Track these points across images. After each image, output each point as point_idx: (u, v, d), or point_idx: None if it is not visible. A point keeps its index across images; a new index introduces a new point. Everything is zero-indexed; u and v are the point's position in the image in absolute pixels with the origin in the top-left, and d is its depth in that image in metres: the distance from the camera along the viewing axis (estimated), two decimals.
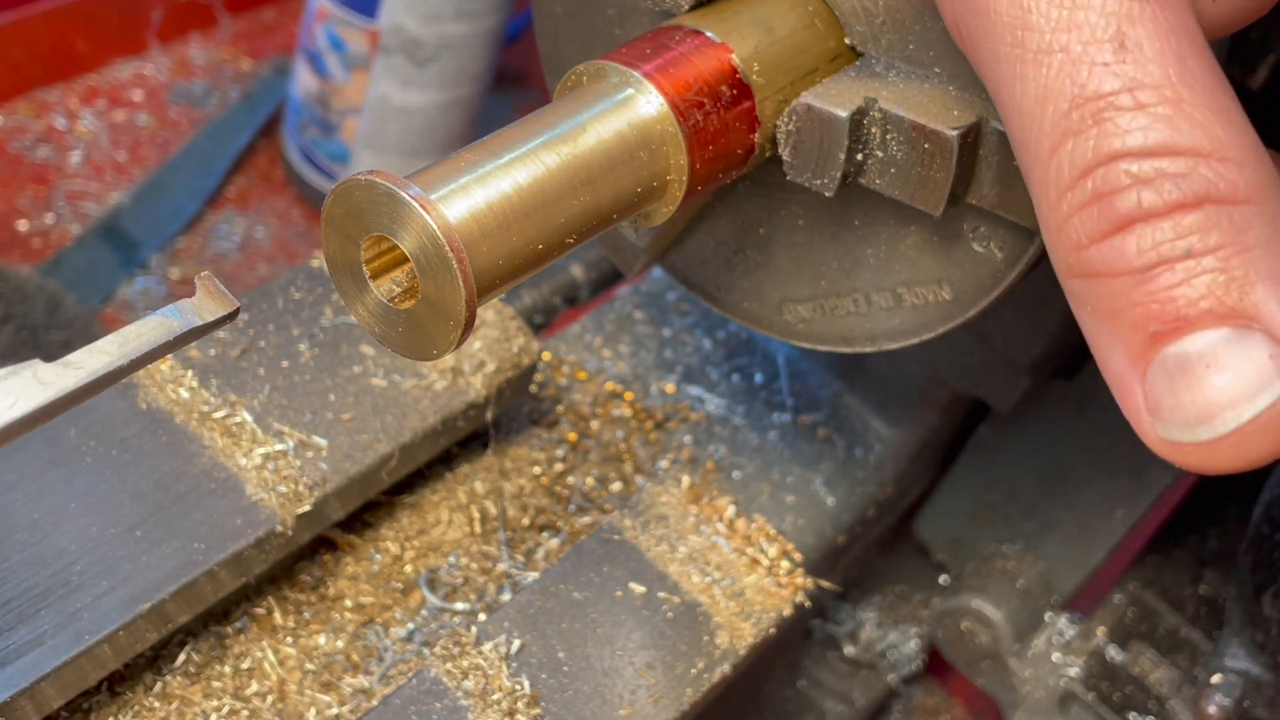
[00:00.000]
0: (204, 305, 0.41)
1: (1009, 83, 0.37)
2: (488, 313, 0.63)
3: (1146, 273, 0.35)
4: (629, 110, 0.43)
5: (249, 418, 0.58)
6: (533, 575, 0.62)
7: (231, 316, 0.42)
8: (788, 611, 0.60)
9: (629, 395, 0.71)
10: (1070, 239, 0.36)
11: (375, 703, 0.55)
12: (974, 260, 0.51)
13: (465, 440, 0.66)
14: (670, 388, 0.72)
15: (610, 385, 0.71)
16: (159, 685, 0.55)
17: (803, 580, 0.61)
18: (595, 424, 0.69)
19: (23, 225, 1.15)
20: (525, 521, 0.64)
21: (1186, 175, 0.35)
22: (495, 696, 0.53)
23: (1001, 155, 0.46)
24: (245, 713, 0.55)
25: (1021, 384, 0.72)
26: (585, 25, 0.55)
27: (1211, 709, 0.67)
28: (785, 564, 0.62)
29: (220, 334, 0.60)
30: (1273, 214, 0.35)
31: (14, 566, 0.51)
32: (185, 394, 0.58)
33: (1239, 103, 0.36)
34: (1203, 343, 0.35)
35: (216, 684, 0.55)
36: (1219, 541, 0.79)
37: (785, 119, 0.47)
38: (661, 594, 0.58)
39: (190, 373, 0.58)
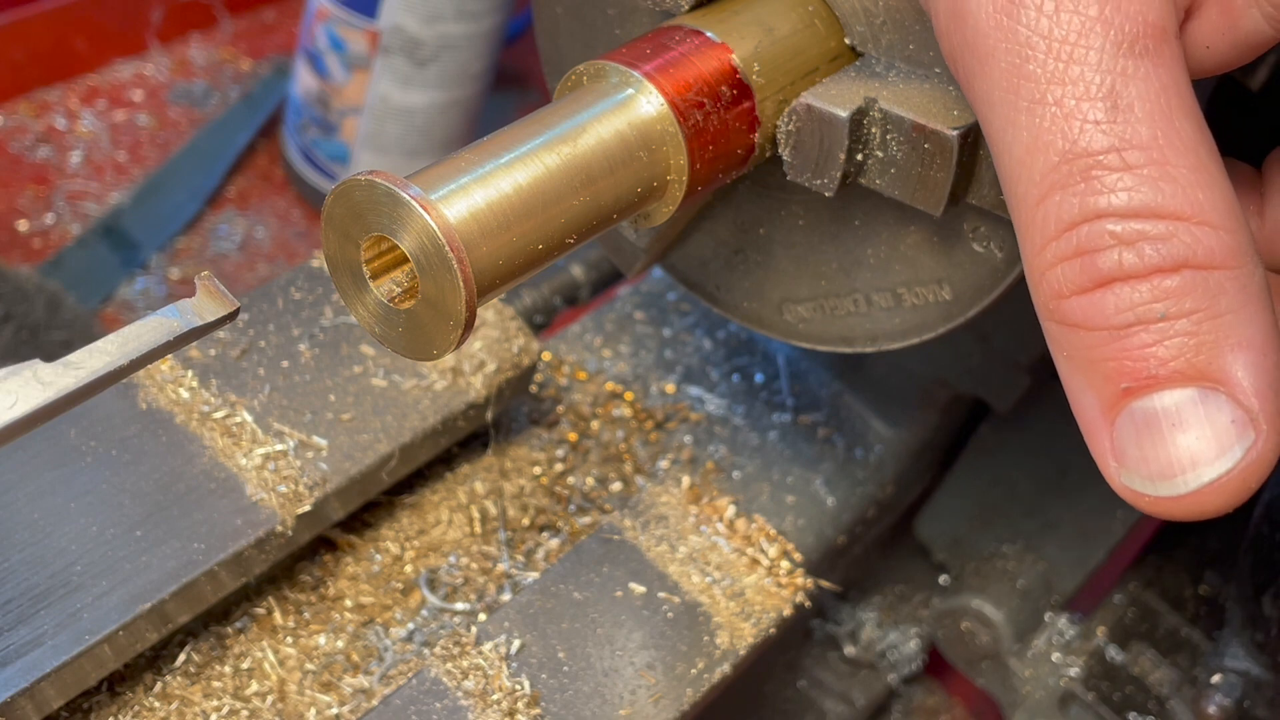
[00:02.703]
0: (204, 305, 0.41)
1: (1000, 126, 0.38)
2: (488, 313, 0.63)
3: (1122, 330, 0.37)
4: (629, 110, 0.43)
5: (249, 418, 0.58)
6: (533, 575, 0.62)
7: (231, 316, 0.42)
8: (788, 611, 0.60)
9: (629, 395, 0.71)
10: (1051, 287, 0.38)
11: (375, 703, 0.55)
12: (974, 260, 0.51)
13: (465, 440, 0.66)
14: (670, 388, 0.72)
15: (610, 385, 0.71)
16: (159, 685, 0.55)
17: (803, 580, 0.61)
18: (595, 424, 0.69)
19: (23, 225, 1.15)
20: (525, 521, 0.64)
21: (1166, 239, 0.36)
22: (495, 696, 0.53)
23: None
24: (245, 713, 0.55)
25: (1021, 384, 0.72)
26: (585, 25, 0.55)
27: (1211, 709, 0.67)
28: (785, 564, 0.62)
29: (220, 334, 0.60)
30: (1246, 279, 0.36)
31: (14, 566, 0.51)
32: (185, 394, 0.58)
33: (1221, 164, 0.37)
34: (1170, 401, 0.36)
35: (216, 684, 0.55)
36: (1219, 541, 0.79)
37: (785, 119, 0.47)
38: (661, 594, 0.58)
39: (190, 373, 0.58)
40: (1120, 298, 0.36)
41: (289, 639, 0.58)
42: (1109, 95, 0.36)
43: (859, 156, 0.47)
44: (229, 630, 0.57)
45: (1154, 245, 0.36)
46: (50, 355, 0.39)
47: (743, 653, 0.58)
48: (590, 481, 0.67)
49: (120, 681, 0.55)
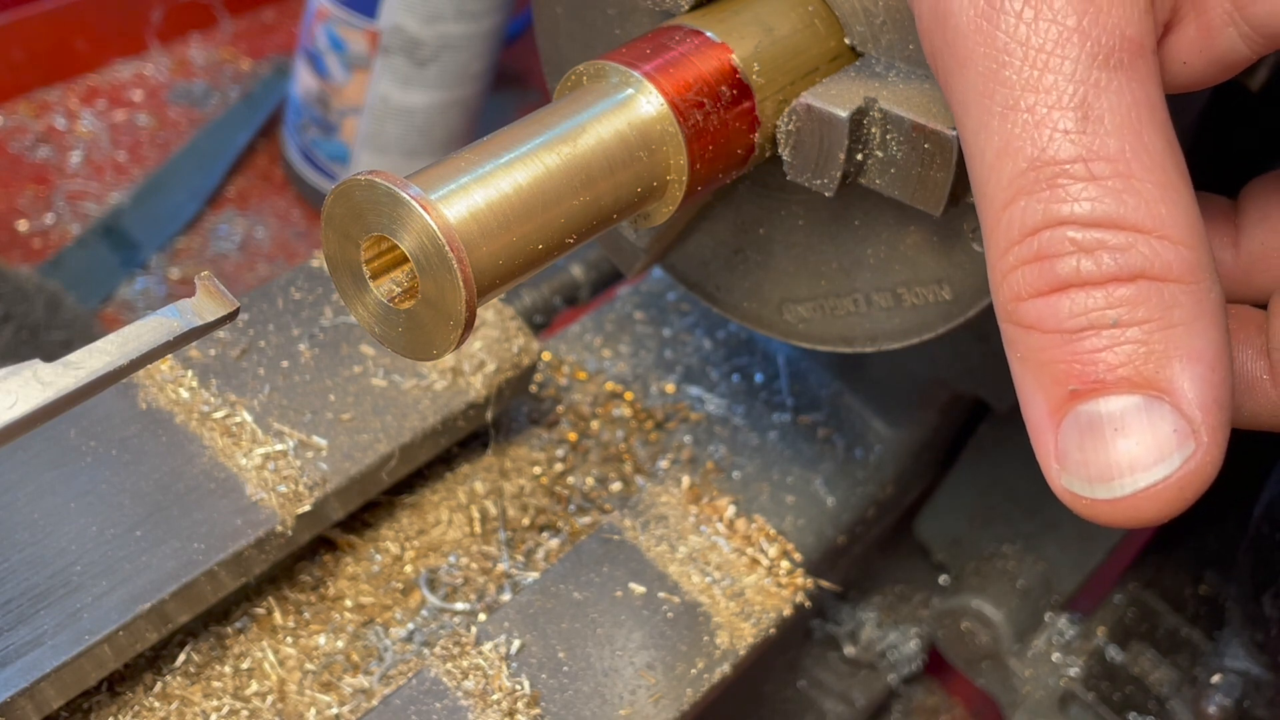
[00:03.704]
0: (204, 305, 0.41)
1: (974, 129, 0.39)
2: (488, 313, 0.63)
3: (1074, 334, 0.37)
4: (629, 110, 0.43)
5: (249, 418, 0.58)
6: (533, 575, 0.62)
7: (231, 316, 0.42)
8: (788, 611, 0.60)
9: (629, 395, 0.71)
10: (1011, 289, 0.38)
11: (375, 703, 0.55)
12: (974, 260, 0.51)
13: (465, 440, 0.66)
14: (670, 388, 0.72)
15: (610, 385, 0.71)
16: (159, 685, 0.55)
17: (803, 580, 0.61)
18: (595, 424, 0.69)
19: (23, 225, 1.15)
20: (525, 521, 0.64)
21: (1125, 250, 0.37)
22: (495, 696, 0.53)
23: None
24: (245, 713, 0.55)
25: None
26: (585, 26, 0.55)
27: (1211, 709, 0.67)
28: (785, 564, 0.62)
29: (220, 334, 0.60)
30: (1201, 295, 0.37)
31: (14, 566, 0.51)
32: (185, 394, 0.58)
33: (1188, 180, 0.38)
34: (1115, 406, 0.37)
35: (216, 684, 0.55)
36: (1219, 541, 0.79)
37: (785, 119, 0.47)
38: (661, 594, 0.58)
39: (190, 373, 0.58)
40: (1075, 303, 0.37)
41: (289, 639, 0.58)
42: (1080, 106, 0.37)
43: (859, 156, 0.47)
44: (229, 630, 0.57)
45: (1112, 254, 0.37)
46: (50, 355, 0.39)
47: (743, 653, 0.58)
48: (590, 481, 0.67)
49: (120, 681, 0.55)
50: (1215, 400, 0.37)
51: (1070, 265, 0.37)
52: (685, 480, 0.64)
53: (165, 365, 0.58)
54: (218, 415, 0.57)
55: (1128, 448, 0.37)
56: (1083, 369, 0.37)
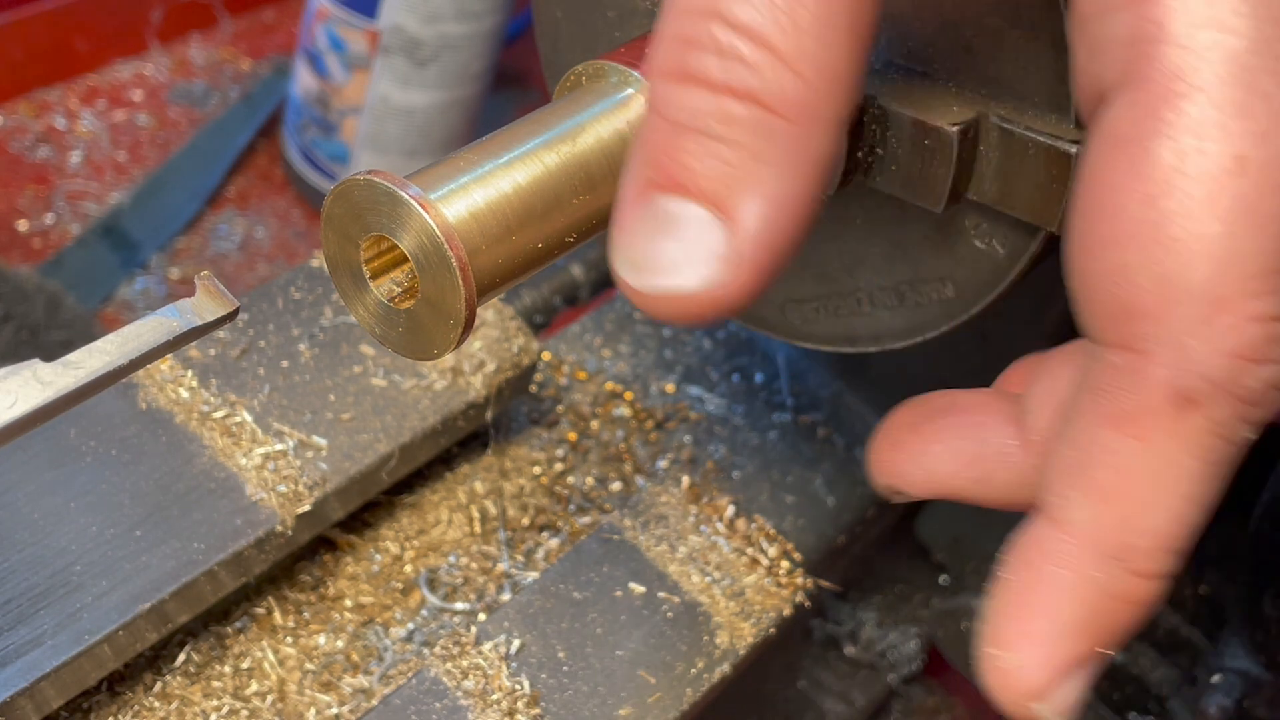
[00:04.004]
0: (204, 305, 0.41)
1: None
2: (488, 313, 0.63)
3: (678, 128, 0.38)
4: (629, 110, 0.43)
5: (249, 418, 0.58)
6: (533, 575, 0.62)
7: (231, 316, 0.42)
8: (788, 611, 0.60)
9: (629, 395, 0.71)
10: (654, 60, 0.39)
11: (375, 703, 0.55)
12: (976, 257, 0.51)
13: (465, 440, 0.66)
14: (670, 388, 0.72)
15: (610, 385, 0.71)
16: (159, 685, 0.55)
17: (803, 580, 0.61)
18: (595, 424, 0.69)
19: (23, 225, 1.15)
20: (525, 521, 0.64)
21: (754, 68, 0.37)
22: (495, 696, 0.53)
23: (1002, 151, 0.46)
24: (245, 713, 0.55)
25: None
26: (585, 28, 0.55)
27: (1211, 709, 0.67)
28: (785, 564, 0.62)
29: (220, 334, 0.60)
30: (802, 143, 0.37)
31: (14, 566, 0.51)
32: (185, 394, 0.58)
33: (865, 38, 0.38)
34: (681, 210, 0.38)
35: (216, 684, 0.55)
36: (1219, 541, 0.79)
37: None
38: (661, 594, 0.58)
39: (190, 373, 0.58)
40: (691, 99, 0.37)
41: (289, 639, 0.58)
42: None
43: (859, 154, 0.47)
44: (229, 630, 0.57)
45: (742, 67, 0.37)
46: (50, 355, 0.39)
47: (743, 653, 0.58)
48: (590, 481, 0.67)
49: (120, 681, 0.55)
50: (768, 244, 0.37)
51: (702, 61, 0.37)
52: (685, 480, 0.64)
53: (165, 365, 0.58)
54: (218, 415, 0.57)
55: (675, 250, 0.38)
56: (670, 164, 0.38)
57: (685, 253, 0.38)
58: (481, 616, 0.60)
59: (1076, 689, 0.40)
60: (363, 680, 0.57)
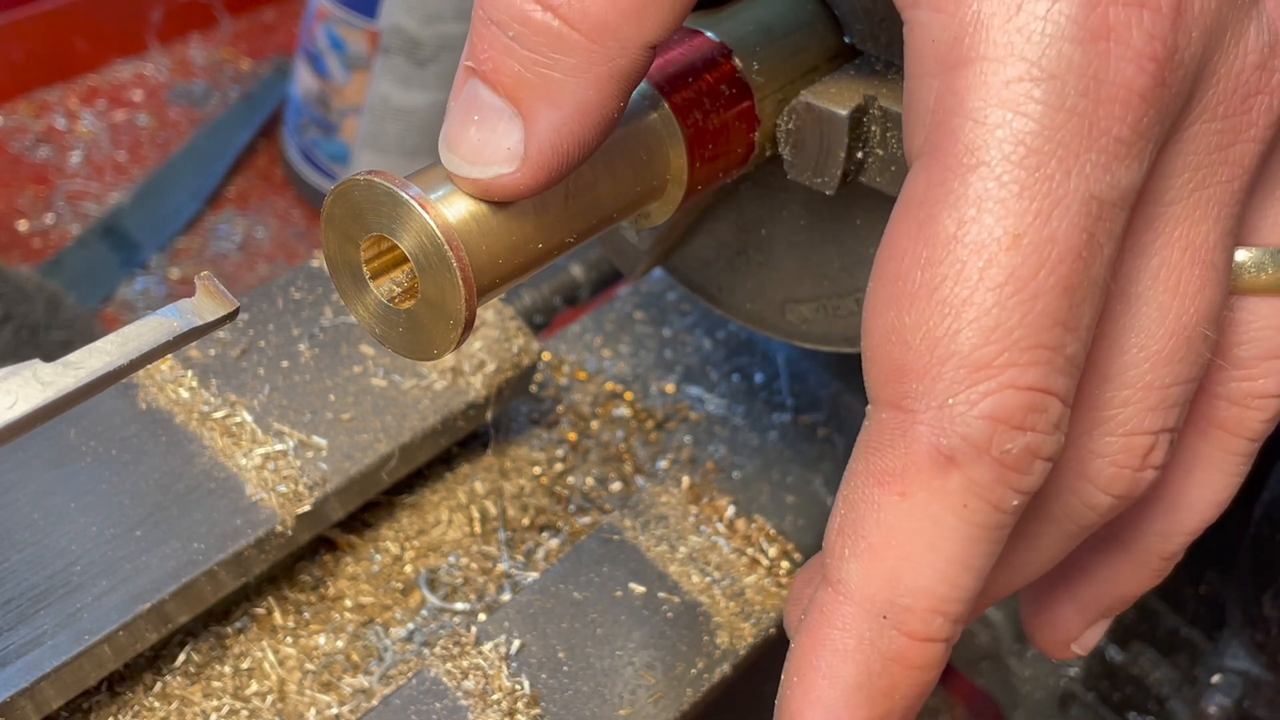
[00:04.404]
0: (204, 305, 0.41)
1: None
2: (488, 313, 0.63)
3: (488, 24, 0.39)
4: (628, 110, 0.43)
5: (249, 418, 0.58)
6: (533, 575, 0.62)
7: (231, 316, 0.42)
8: None
9: (629, 395, 0.71)
10: None
11: (375, 703, 0.55)
12: None
13: (465, 440, 0.66)
14: (670, 388, 0.72)
15: (610, 385, 0.71)
16: (159, 685, 0.55)
17: None
18: (595, 424, 0.69)
19: (23, 225, 1.15)
20: (525, 521, 0.64)
21: None
22: (495, 696, 0.53)
23: None
24: (245, 713, 0.55)
25: None
26: None
27: (1211, 709, 0.67)
28: (785, 564, 0.62)
29: (220, 334, 0.60)
30: (600, 60, 0.39)
31: (14, 566, 0.51)
32: (185, 394, 0.58)
33: None
34: (488, 99, 0.39)
35: (216, 684, 0.55)
36: (1219, 541, 0.79)
37: (785, 118, 0.47)
38: (661, 594, 0.58)
39: (190, 373, 0.58)
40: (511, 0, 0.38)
41: (289, 639, 0.58)
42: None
43: (859, 155, 0.47)
44: (229, 630, 0.57)
45: None
46: (50, 355, 0.39)
47: (743, 653, 0.58)
48: (590, 481, 0.67)
49: (120, 681, 0.55)
50: (556, 149, 0.39)
51: None
52: (685, 480, 0.64)
53: (165, 365, 0.58)
54: (218, 415, 0.57)
55: (476, 137, 0.39)
56: (487, 56, 0.39)
57: (483, 140, 0.39)
58: (481, 616, 0.60)
59: None
60: (363, 680, 0.57)
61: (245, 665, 0.56)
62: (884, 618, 0.39)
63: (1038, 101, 0.36)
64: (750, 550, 0.62)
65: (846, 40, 0.49)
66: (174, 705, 0.54)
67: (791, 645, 0.41)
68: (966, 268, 0.37)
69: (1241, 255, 0.43)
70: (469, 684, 0.53)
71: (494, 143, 0.39)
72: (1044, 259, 0.37)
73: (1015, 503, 0.38)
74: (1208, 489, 0.48)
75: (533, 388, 0.69)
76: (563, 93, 0.39)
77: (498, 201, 0.40)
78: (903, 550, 0.39)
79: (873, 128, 0.46)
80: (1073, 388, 0.38)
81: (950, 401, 0.37)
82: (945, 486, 0.38)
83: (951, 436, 0.37)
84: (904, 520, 0.39)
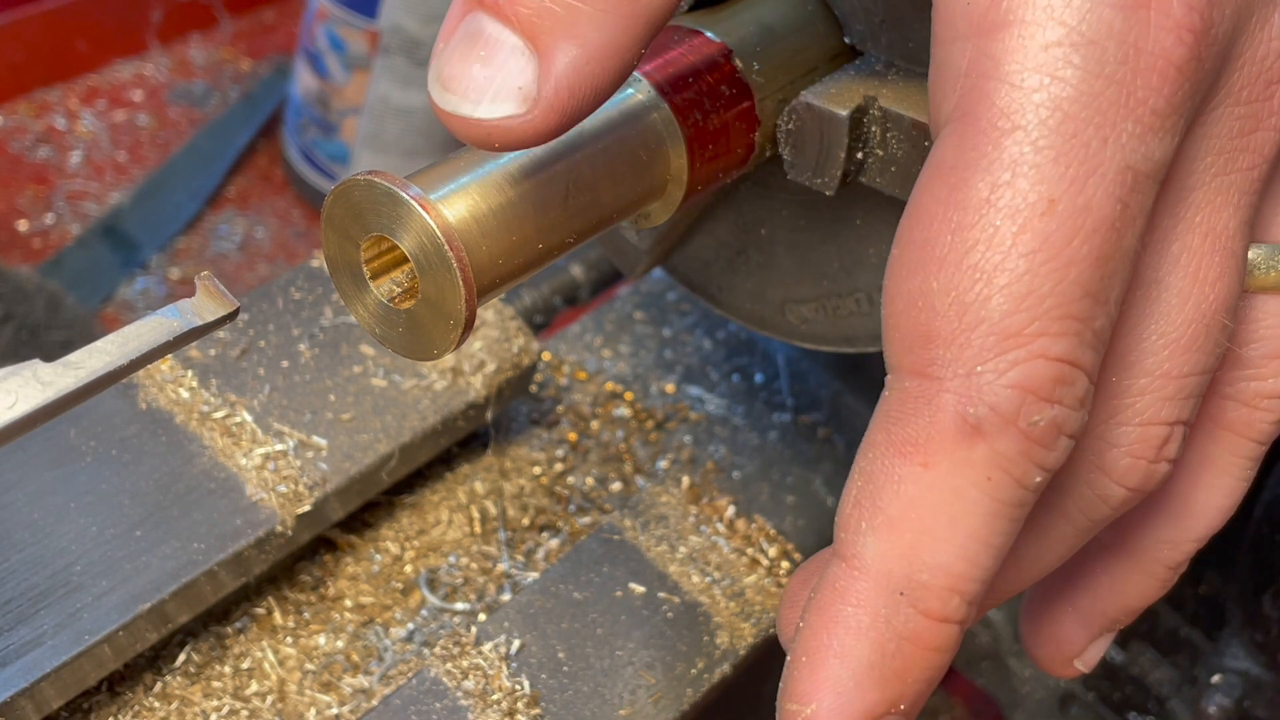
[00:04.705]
0: (204, 305, 0.41)
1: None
2: (488, 313, 0.63)
3: None
4: (628, 110, 0.43)
5: (249, 418, 0.58)
6: (533, 575, 0.62)
7: (231, 316, 0.42)
8: None
9: (629, 395, 0.71)
10: None
11: (375, 703, 0.55)
12: None
13: (465, 440, 0.66)
14: (670, 388, 0.72)
15: (610, 385, 0.71)
16: (159, 685, 0.55)
17: None
18: (595, 424, 0.69)
19: (23, 225, 1.15)
20: (525, 521, 0.64)
21: None
22: (495, 696, 0.53)
23: None
24: (245, 713, 0.55)
25: None
26: None
27: (1211, 709, 0.67)
28: (785, 564, 0.62)
29: (220, 334, 0.60)
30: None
31: (14, 566, 0.51)
32: (185, 394, 0.58)
33: None
34: (497, 34, 0.37)
35: (216, 684, 0.55)
36: (1219, 541, 0.79)
37: (785, 118, 0.47)
38: (661, 594, 0.58)
39: (190, 373, 0.58)
40: None
41: (289, 639, 0.58)
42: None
43: (859, 155, 0.47)
44: (229, 630, 0.57)
45: None
46: (50, 355, 0.39)
47: (743, 653, 0.58)
48: (590, 481, 0.67)
49: (120, 681, 0.55)
50: (574, 89, 0.37)
51: None
52: (685, 480, 0.64)
53: (165, 365, 0.58)
54: (218, 415, 0.57)
55: (481, 74, 0.37)
56: None
57: (490, 79, 0.37)
58: (481, 616, 0.60)
59: None
60: (363, 680, 0.57)
61: (245, 665, 0.56)
62: (900, 594, 0.37)
63: (1076, 67, 0.36)
64: (750, 550, 0.62)
65: (846, 40, 0.49)
66: (174, 705, 0.54)
67: (801, 626, 0.39)
68: (1000, 232, 0.36)
69: (1251, 253, 0.43)
70: (469, 684, 0.53)
71: (502, 80, 0.37)
72: (1079, 226, 0.36)
73: (1038, 479, 0.37)
74: (1215, 493, 0.47)
75: (533, 388, 0.69)
76: (589, 28, 0.36)
77: (499, 148, 0.38)
78: (923, 524, 0.37)
79: (873, 128, 0.46)
80: (1098, 364, 0.37)
81: (979, 369, 0.36)
82: (969, 458, 0.37)
83: (979, 405, 0.36)
84: (925, 492, 0.37)
